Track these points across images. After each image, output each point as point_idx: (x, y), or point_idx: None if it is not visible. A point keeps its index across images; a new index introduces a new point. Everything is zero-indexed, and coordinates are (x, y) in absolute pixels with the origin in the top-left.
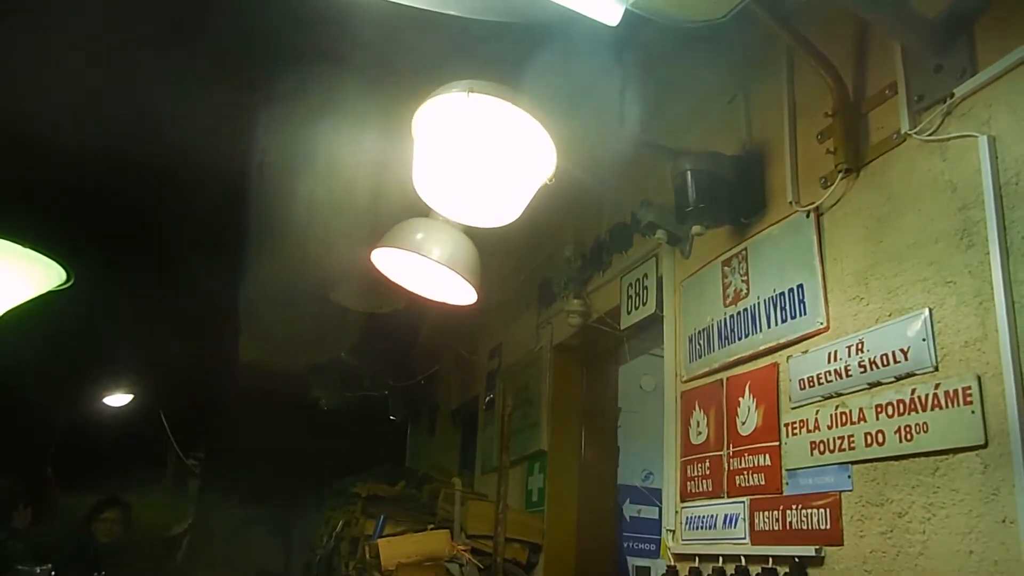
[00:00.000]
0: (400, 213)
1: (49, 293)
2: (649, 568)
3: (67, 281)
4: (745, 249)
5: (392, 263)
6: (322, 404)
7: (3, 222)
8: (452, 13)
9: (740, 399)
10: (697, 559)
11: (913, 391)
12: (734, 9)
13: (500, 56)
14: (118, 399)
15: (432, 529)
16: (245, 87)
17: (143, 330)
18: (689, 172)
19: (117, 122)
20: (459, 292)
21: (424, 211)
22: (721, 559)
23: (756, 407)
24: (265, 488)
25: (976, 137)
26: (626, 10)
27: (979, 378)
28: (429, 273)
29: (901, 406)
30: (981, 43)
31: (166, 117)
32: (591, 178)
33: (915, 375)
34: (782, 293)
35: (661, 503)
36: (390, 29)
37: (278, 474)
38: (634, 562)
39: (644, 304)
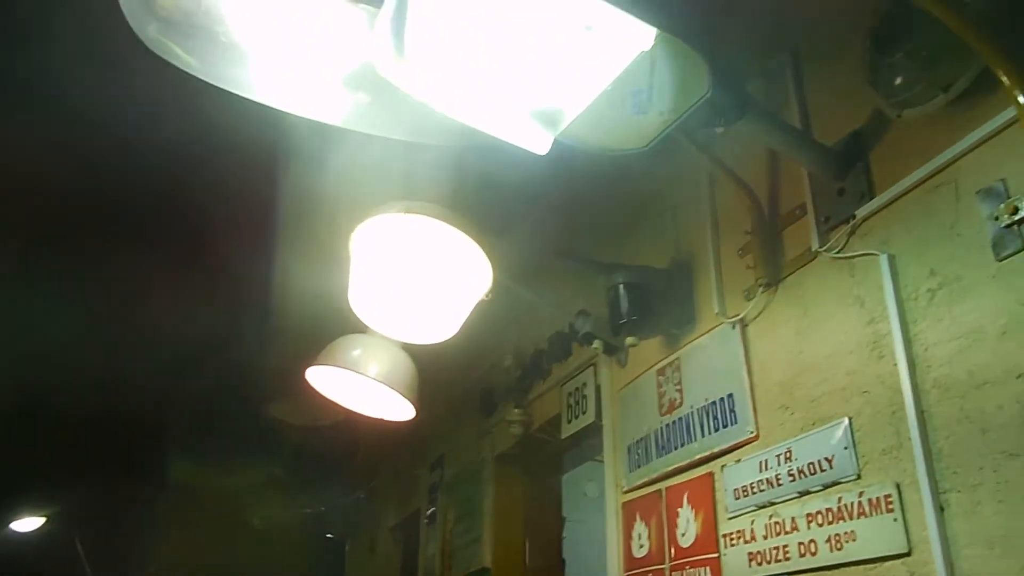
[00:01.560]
0: (338, 330)
1: None
2: None
3: None
4: (678, 358)
5: (330, 379)
6: (255, 523)
7: None
8: (383, 136)
9: (679, 509)
10: None
11: (840, 499)
12: (656, 139)
13: (436, 172)
14: (28, 524)
15: None
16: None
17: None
18: (621, 285)
19: None
20: (398, 408)
21: (361, 328)
22: None
23: (695, 518)
24: None
25: (877, 255)
26: (555, 139)
27: (898, 486)
28: (367, 389)
29: (830, 515)
30: (876, 169)
31: None
32: (528, 291)
33: (840, 483)
34: (714, 402)
35: None
36: (322, 148)
37: None
38: None
39: (584, 413)
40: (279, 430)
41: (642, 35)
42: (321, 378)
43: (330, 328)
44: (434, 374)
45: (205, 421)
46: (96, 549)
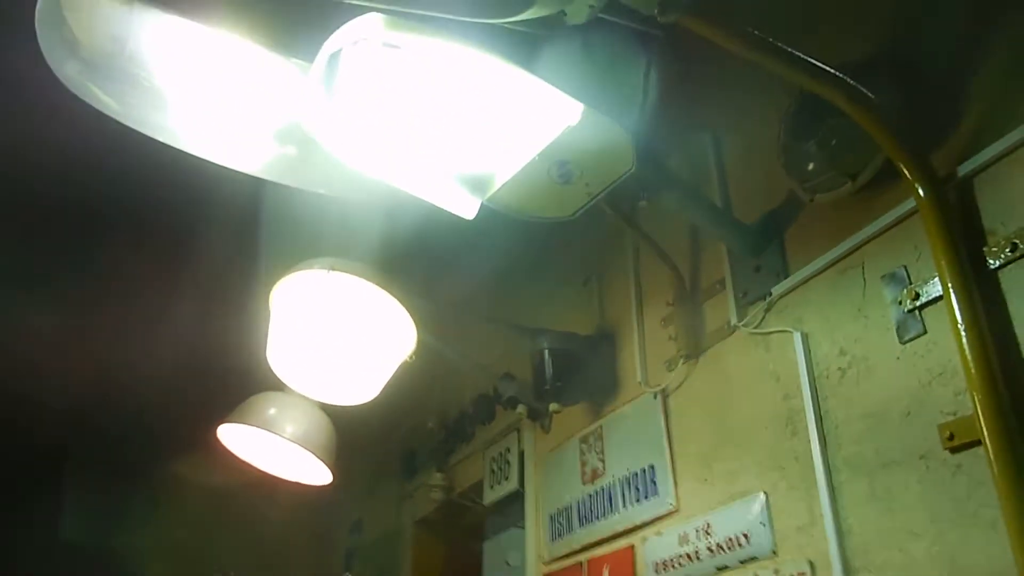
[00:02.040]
0: (255, 387)
1: None
2: None
3: None
4: (600, 427)
5: (243, 438)
6: None
7: None
8: (308, 190)
9: None
10: None
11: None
12: (582, 209)
13: (362, 228)
14: None
15: None
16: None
17: None
18: (546, 351)
19: None
20: (314, 471)
21: (279, 386)
22: None
23: None
24: None
25: (791, 332)
26: (482, 204)
27: (811, 564)
28: (282, 450)
29: None
30: (790, 248)
31: None
32: (453, 352)
33: (757, 559)
34: (635, 473)
35: None
36: (247, 202)
37: None
38: None
39: (507, 479)
40: (187, 488)
41: (569, 110)
42: (234, 436)
43: (247, 384)
44: (353, 434)
45: (108, 470)
46: None
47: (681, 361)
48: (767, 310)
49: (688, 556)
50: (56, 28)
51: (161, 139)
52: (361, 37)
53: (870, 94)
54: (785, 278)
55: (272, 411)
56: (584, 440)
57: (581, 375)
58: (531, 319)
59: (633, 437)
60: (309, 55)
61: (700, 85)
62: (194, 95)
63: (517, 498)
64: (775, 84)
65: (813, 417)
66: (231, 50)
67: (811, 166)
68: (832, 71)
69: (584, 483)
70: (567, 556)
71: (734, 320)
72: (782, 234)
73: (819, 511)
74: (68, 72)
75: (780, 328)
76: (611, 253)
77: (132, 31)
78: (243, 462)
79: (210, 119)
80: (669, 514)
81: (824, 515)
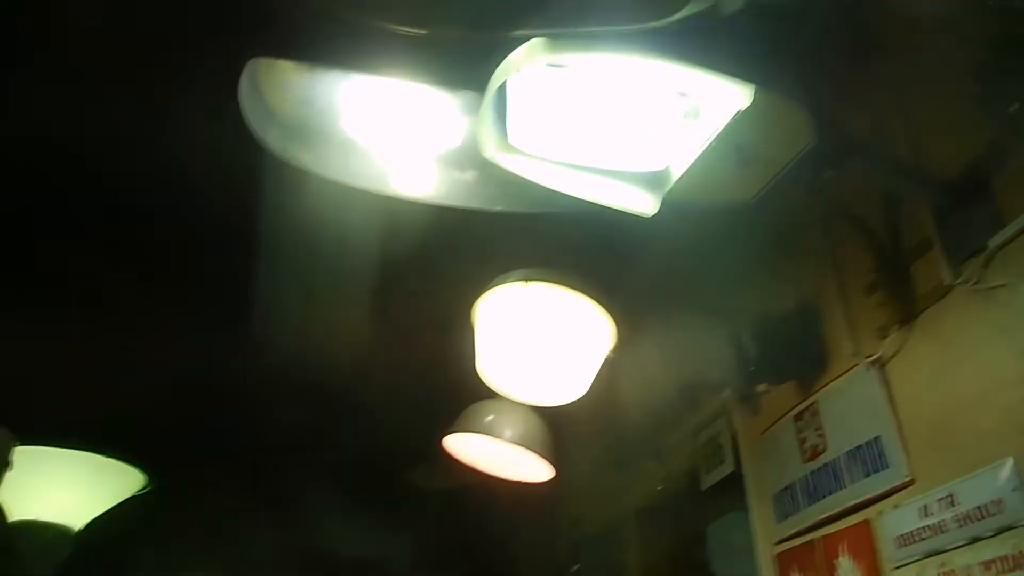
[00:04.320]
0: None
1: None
2: None
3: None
4: (815, 402)
5: (465, 446)
6: None
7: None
8: (488, 209)
9: (837, 561)
10: None
11: (1016, 545)
12: (763, 191)
13: (549, 237)
14: None
15: None
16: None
17: None
18: (748, 332)
19: None
20: (535, 469)
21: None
22: None
23: (856, 568)
24: None
25: (1018, 284)
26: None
27: None
28: (503, 454)
29: (1009, 562)
30: (1002, 197)
31: None
32: (653, 344)
33: (1015, 527)
34: (860, 447)
35: None
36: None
37: None
38: None
39: (722, 463)
40: (416, 498)
41: (739, 93)
42: (458, 444)
43: (457, 396)
44: (566, 432)
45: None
46: None
47: (895, 328)
48: (985, 264)
49: (932, 528)
50: (257, 103)
51: (353, 184)
52: (527, 63)
53: None
54: (1001, 228)
55: (490, 417)
56: (798, 418)
57: (785, 353)
58: (727, 303)
59: (852, 410)
60: (479, 85)
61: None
62: (376, 138)
63: (734, 481)
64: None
65: None
66: (406, 94)
67: (1015, 107)
68: None
69: (805, 461)
70: (797, 536)
71: (948, 279)
72: (988, 183)
73: None
74: (272, 140)
75: (1003, 281)
76: (798, 228)
77: (318, 92)
78: (469, 467)
79: (392, 158)
80: (904, 486)
81: None
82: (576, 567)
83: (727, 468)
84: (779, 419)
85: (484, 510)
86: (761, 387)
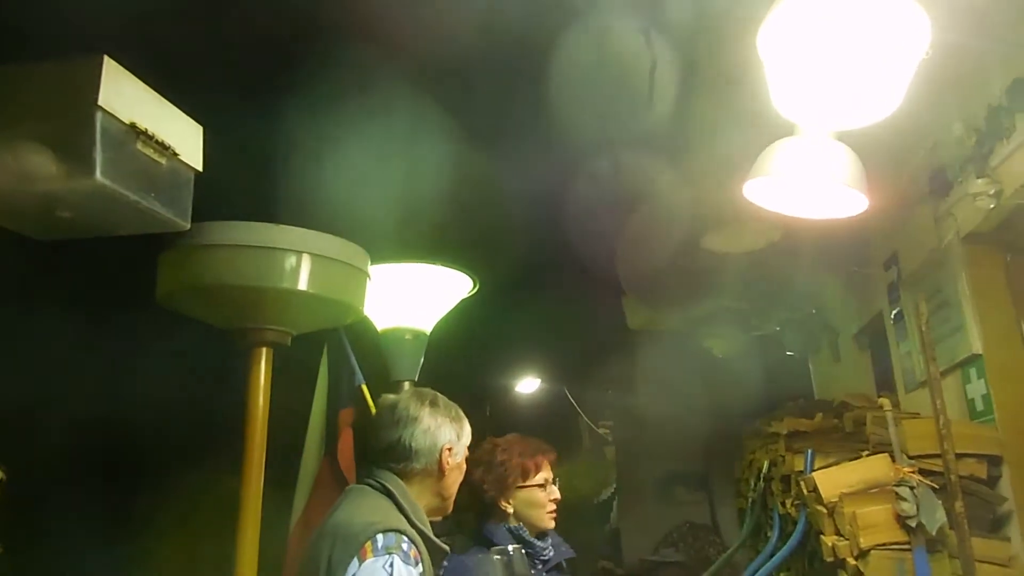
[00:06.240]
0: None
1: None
2: None
3: (474, 288)
4: None
5: (764, 193)
6: (714, 352)
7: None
8: None
9: None
10: None
11: None
12: None
13: None
14: (529, 385)
15: (868, 456)
16: None
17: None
18: None
19: None
20: (843, 204)
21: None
22: None
23: None
24: (677, 446)
25: None
26: None
27: None
28: (806, 193)
29: None
30: None
31: None
32: (971, 35)
33: None
34: None
35: None
36: None
37: (686, 432)
38: None
39: None
40: (716, 261)
41: None
42: (757, 193)
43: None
44: (870, 166)
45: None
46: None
47: None
48: None
49: None
50: None
51: None
52: None
53: None
54: None
55: (789, 156)
56: None
57: None
58: None
59: None
60: None
61: None
62: None
63: None
64: None
65: None
66: None
67: None
68: None
69: None
70: None
71: None
72: None
73: None
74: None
75: None
76: None
77: None
78: (772, 215)
79: None
80: None
81: None
82: (897, 309)
83: None
84: None
85: (788, 263)
86: None
